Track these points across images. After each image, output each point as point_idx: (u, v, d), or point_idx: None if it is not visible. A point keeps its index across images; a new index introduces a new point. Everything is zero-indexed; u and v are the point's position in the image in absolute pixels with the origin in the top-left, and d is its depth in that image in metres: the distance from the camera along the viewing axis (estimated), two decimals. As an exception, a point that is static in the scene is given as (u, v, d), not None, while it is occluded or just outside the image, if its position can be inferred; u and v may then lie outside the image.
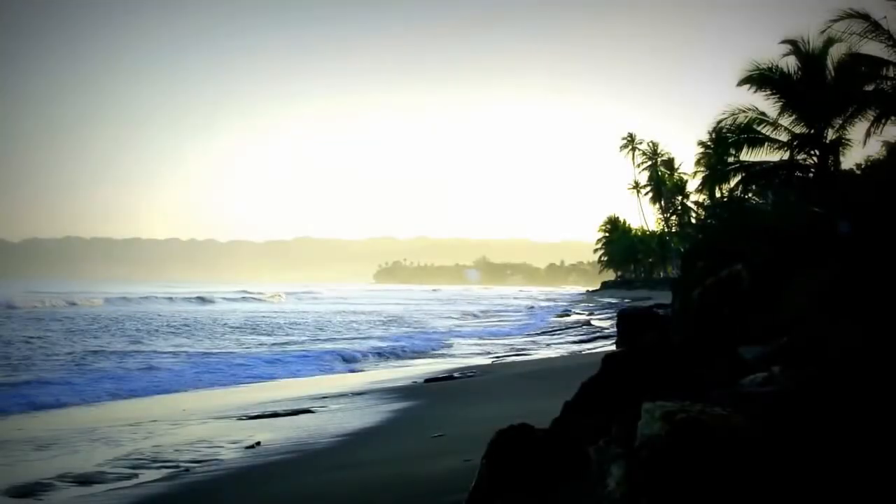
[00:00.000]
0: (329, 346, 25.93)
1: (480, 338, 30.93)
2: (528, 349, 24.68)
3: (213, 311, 52.42)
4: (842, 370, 3.64)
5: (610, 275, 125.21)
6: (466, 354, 23.64)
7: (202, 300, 64.04)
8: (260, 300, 72.09)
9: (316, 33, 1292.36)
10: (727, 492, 2.92)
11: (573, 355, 20.88)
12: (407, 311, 56.85)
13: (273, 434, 10.10)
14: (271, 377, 18.42)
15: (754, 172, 20.98)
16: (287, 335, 31.28)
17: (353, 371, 19.98)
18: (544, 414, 5.54)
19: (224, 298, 69.08)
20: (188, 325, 35.57)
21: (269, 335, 31.23)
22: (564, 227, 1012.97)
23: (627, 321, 15.31)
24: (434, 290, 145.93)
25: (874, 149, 19.82)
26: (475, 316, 51.94)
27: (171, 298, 63.11)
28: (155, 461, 8.70)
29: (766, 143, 20.27)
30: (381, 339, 29.37)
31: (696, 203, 68.83)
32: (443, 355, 23.71)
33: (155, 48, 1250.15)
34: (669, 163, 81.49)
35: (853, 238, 14.64)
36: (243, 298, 72.30)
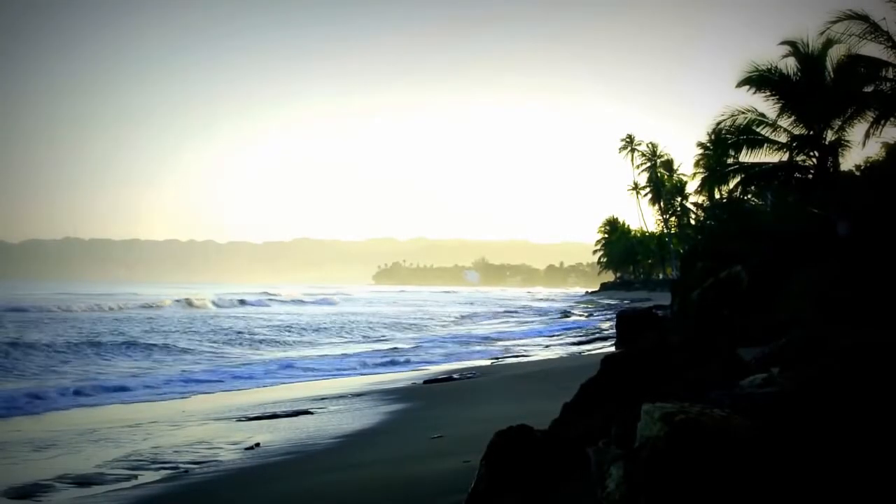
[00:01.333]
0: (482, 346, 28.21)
1: (541, 335, 32.51)
2: (528, 350, 24.67)
3: (290, 312, 53.73)
4: (841, 371, 3.64)
5: (609, 276, 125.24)
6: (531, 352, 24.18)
7: (243, 303, 63.59)
8: (315, 303, 72.58)
9: (316, 33, 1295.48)
10: (726, 492, 2.92)
11: (572, 356, 20.86)
12: (445, 312, 58.42)
13: (272, 435, 10.10)
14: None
15: (753, 174, 20.94)
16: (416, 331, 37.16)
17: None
18: (544, 415, 5.54)
19: (276, 301, 70.05)
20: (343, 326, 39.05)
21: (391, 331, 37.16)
22: (563, 229, 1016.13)
23: (627, 322, 15.34)
24: (446, 292, 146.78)
25: (873, 150, 19.85)
26: (498, 317, 53.19)
27: (243, 301, 63.20)
28: (154, 462, 8.69)
29: (765, 145, 20.22)
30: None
31: (695, 204, 68.88)
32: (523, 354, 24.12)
33: (155, 48, 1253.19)
34: (668, 164, 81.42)
35: (852, 239, 14.67)
36: (301, 302, 72.62)
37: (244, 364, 21.22)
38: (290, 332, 34.44)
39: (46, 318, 38.13)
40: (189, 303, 56.59)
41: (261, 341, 29.54)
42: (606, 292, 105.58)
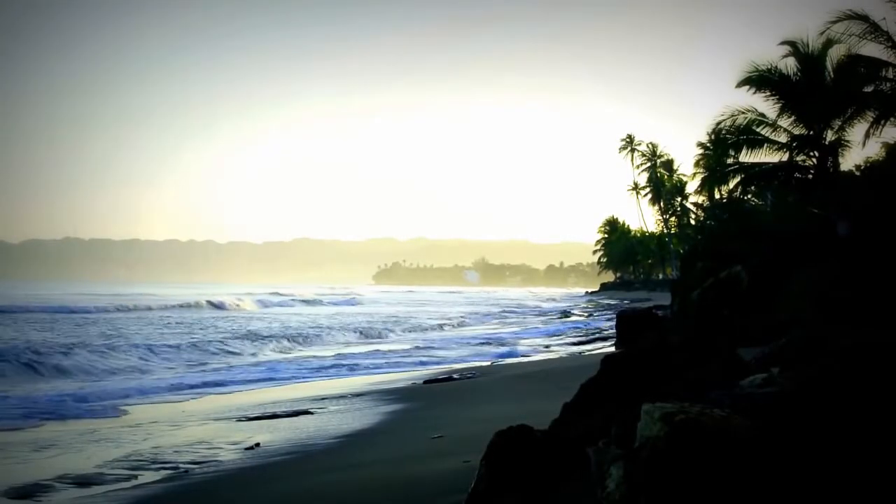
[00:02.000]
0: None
1: (541, 335, 33.12)
2: (528, 350, 24.67)
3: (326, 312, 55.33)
4: (841, 371, 3.64)
5: (609, 276, 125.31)
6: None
7: (264, 304, 64.11)
8: (336, 303, 72.94)
9: (316, 33, 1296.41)
10: (726, 493, 2.92)
11: (572, 356, 20.86)
12: (448, 312, 58.80)
13: (272, 435, 10.10)
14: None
15: (753, 174, 20.94)
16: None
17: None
18: (544, 415, 5.54)
19: (298, 301, 70.64)
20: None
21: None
22: (563, 229, 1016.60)
23: (627, 322, 15.34)
24: (451, 293, 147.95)
25: (873, 150, 19.85)
26: (499, 317, 53.89)
27: (262, 302, 64.00)
28: (154, 462, 8.69)
29: (765, 145, 20.23)
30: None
31: (695, 204, 68.91)
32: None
33: (155, 48, 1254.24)
34: (668, 164, 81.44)
35: (852, 239, 14.67)
36: (319, 302, 72.86)
37: (294, 362, 21.46)
38: (329, 331, 34.51)
39: (62, 319, 38.08)
40: (220, 304, 57.06)
41: (296, 339, 30.01)
42: (606, 292, 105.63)
